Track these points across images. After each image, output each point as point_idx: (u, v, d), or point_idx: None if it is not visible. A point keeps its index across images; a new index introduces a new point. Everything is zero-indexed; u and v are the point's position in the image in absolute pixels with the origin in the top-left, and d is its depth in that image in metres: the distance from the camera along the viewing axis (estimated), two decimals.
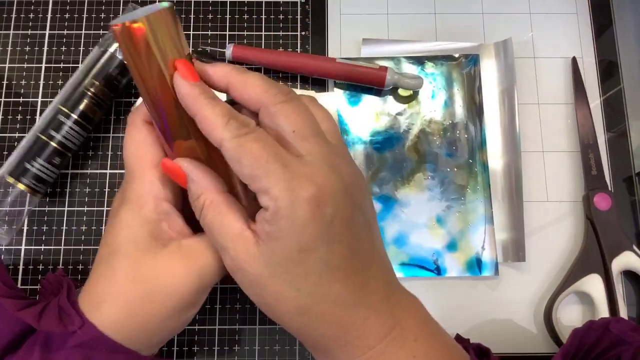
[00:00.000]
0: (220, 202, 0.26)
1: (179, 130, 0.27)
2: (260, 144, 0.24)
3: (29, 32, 0.41)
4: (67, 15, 0.42)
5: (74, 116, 0.35)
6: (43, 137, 0.35)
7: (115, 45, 0.36)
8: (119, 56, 0.36)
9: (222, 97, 0.28)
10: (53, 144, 0.35)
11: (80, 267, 0.37)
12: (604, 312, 0.36)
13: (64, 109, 0.35)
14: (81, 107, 0.36)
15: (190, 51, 0.28)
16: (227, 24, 0.42)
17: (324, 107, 0.28)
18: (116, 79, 0.37)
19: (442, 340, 0.27)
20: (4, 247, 0.38)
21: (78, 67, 0.37)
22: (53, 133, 0.35)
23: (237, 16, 0.42)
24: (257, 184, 0.24)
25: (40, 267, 0.37)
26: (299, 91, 0.41)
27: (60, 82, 0.40)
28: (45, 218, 0.38)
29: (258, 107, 0.26)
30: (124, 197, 0.28)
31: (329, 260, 0.24)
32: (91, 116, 0.36)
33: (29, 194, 0.35)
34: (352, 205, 0.25)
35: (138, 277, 0.26)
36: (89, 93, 0.36)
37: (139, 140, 0.28)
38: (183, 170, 0.26)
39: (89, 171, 0.39)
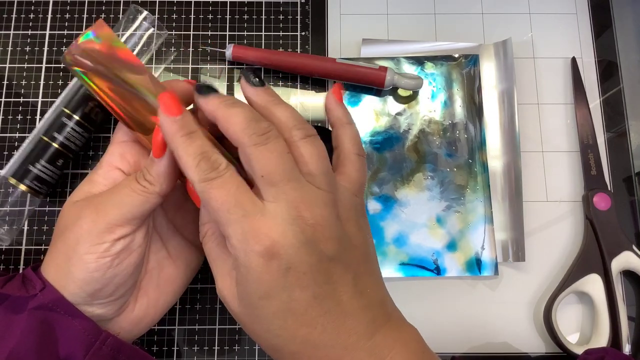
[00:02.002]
0: (220, 235, 0.27)
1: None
2: (224, 190, 0.25)
3: (29, 32, 0.41)
4: (67, 15, 0.42)
5: (77, 118, 0.35)
6: (46, 139, 0.35)
7: None
8: None
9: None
10: (56, 145, 0.35)
11: None
12: (603, 312, 0.36)
13: (66, 110, 0.35)
14: (85, 109, 0.36)
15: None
16: (227, 24, 0.42)
17: (320, 143, 0.27)
18: None
19: None
20: (4, 247, 0.38)
21: None
22: (56, 135, 0.35)
23: (237, 16, 0.42)
24: (221, 229, 0.25)
25: None
26: (298, 91, 0.41)
27: (60, 82, 0.40)
28: (46, 218, 0.38)
29: (237, 146, 0.26)
30: None
31: (292, 307, 0.25)
32: (94, 118, 0.36)
33: (30, 195, 0.35)
34: (313, 257, 0.25)
35: (58, 223, 0.29)
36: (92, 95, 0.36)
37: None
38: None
39: (89, 171, 0.39)
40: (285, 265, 0.24)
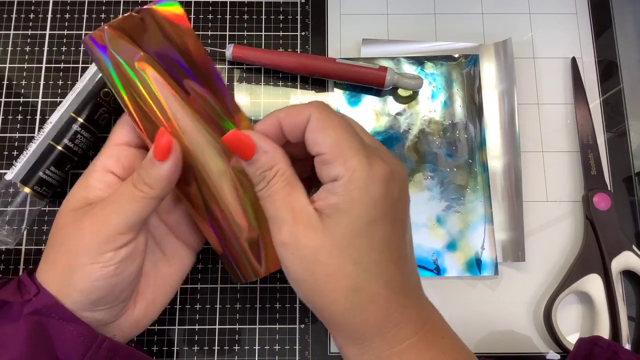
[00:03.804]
0: (290, 175, 0.26)
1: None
2: (345, 122, 0.26)
3: (29, 32, 0.41)
4: (67, 15, 0.42)
5: (84, 122, 0.35)
6: (54, 144, 0.34)
7: None
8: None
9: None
10: (63, 150, 0.35)
11: None
12: (603, 312, 0.36)
13: (74, 115, 0.35)
14: (95, 116, 0.35)
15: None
16: (227, 24, 0.42)
17: None
18: None
19: (461, 343, 0.28)
20: (4, 248, 0.38)
21: (88, 67, 0.37)
22: (65, 140, 0.35)
23: (237, 16, 0.42)
24: (337, 152, 0.25)
25: None
26: (298, 91, 0.41)
27: (60, 82, 0.40)
28: (46, 218, 0.38)
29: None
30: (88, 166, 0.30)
31: (390, 238, 0.25)
32: (101, 122, 0.36)
33: (32, 197, 0.35)
34: (408, 196, 0.27)
35: (55, 230, 0.28)
36: (103, 101, 0.35)
37: (119, 121, 0.31)
38: (253, 141, 0.26)
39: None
40: (398, 194, 0.25)
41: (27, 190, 0.34)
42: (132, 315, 0.31)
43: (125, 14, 0.29)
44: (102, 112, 0.35)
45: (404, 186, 0.26)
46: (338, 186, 0.24)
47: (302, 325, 0.37)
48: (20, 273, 0.37)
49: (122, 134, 0.30)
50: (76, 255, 0.27)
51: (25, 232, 0.38)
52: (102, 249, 0.27)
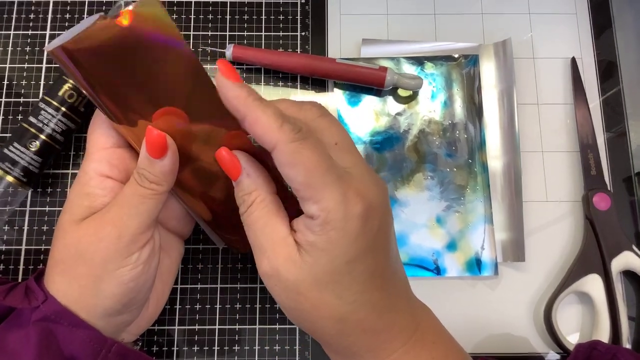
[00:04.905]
0: (270, 202, 0.26)
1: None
2: (316, 152, 0.24)
3: (29, 32, 0.41)
4: (67, 16, 0.42)
5: (49, 99, 0.35)
6: (24, 125, 0.35)
7: None
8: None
9: None
10: (27, 126, 0.35)
11: None
12: (603, 312, 0.36)
13: (46, 97, 0.35)
14: (60, 92, 0.35)
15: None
16: (227, 24, 0.42)
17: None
18: None
19: (455, 345, 0.28)
20: (4, 247, 0.38)
21: None
22: (32, 119, 0.35)
23: (237, 16, 0.42)
24: (309, 192, 0.24)
25: (41, 266, 0.37)
26: (298, 91, 0.41)
27: None
28: (46, 218, 0.38)
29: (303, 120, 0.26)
30: (77, 175, 0.30)
31: (373, 270, 0.25)
32: (70, 102, 0.36)
33: (17, 187, 0.35)
34: (390, 217, 0.26)
35: (67, 244, 0.28)
36: (67, 79, 0.35)
37: (96, 123, 0.29)
38: (240, 163, 0.26)
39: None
40: (377, 226, 0.24)
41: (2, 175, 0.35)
42: (147, 310, 0.31)
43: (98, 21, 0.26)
44: (67, 89, 0.35)
45: (384, 213, 0.25)
46: (315, 225, 0.24)
47: None
48: (20, 273, 0.37)
49: (105, 136, 0.29)
50: (102, 264, 0.27)
51: (25, 232, 0.38)
52: (127, 251, 0.27)
